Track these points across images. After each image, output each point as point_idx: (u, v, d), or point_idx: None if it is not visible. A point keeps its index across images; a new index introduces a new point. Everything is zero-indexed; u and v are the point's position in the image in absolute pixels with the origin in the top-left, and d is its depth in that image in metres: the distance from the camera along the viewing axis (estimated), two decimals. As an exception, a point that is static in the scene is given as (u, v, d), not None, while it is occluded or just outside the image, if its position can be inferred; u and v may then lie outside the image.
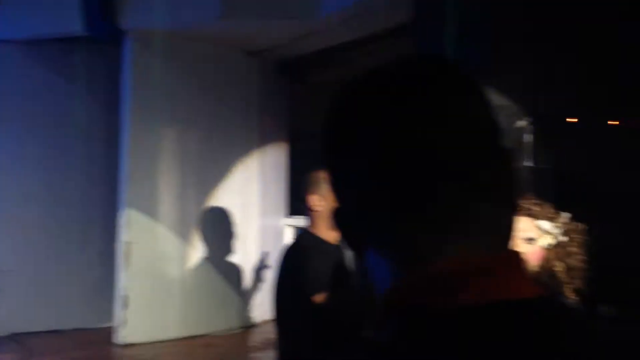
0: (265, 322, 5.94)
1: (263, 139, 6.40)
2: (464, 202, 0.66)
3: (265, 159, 6.47)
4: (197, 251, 5.92)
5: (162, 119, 5.69)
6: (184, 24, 5.29)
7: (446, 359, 0.58)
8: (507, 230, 0.70)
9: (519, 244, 2.26)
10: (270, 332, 2.93)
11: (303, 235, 2.96)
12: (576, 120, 8.00)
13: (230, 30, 5.35)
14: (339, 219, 0.74)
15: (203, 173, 5.96)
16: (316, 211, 2.88)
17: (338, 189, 0.73)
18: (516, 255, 0.68)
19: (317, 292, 2.67)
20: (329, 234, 2.92)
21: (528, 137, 3.31)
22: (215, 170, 6.05)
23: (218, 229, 6.04)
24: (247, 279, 6.22)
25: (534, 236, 2.26)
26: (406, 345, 0.60)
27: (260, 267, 6.20)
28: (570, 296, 2.22)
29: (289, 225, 6.49)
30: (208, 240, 5.97)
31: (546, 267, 2.24)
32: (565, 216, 2.31)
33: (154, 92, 5.60)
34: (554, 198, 3.22)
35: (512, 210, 0.71)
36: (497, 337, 0.60)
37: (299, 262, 2.78)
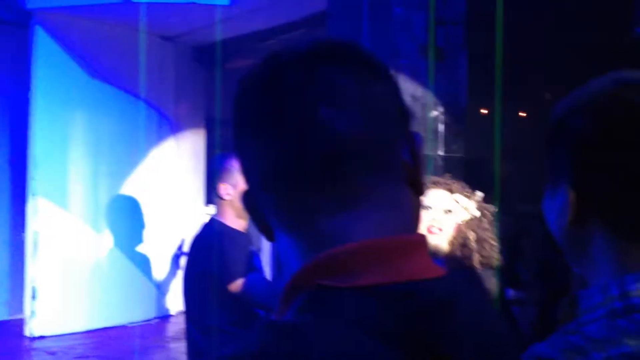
0: (182, 312, 5.87)
1: (179, 126, 6.30)
2: (367, 184, 0.66)
3: (182, 146, 6.37)
4: (110, 241, 5.78)
5: (72, 105, 5.52)
6: (93, 7, 5.13)
7: (345, 338, 0.58)
8: (412, 212, 0.71)
9: (438, 215, 2.36)
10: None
11: (212, 224, 2.92)
12: (487, 111, 8.25)
13: (143, 13, 5.22)
14: (247, 202, 0.73)
15: (116, 160, 5.82)
16: (225, 200, 2.84)
17: (245, 171, 0.72)
18: (421, 237, 0.70)
19: (229, 280, 2.65)
20: (238, 223, 2.91)
21: (441, 127, 3.40)
22: (129, 157, 5.92)
23: (132, 218, 5.91)
24: (163, 268, 6.12)
25: (452, 208, 2.37)
26: (307, 324, 0.60)
27: (177, 257, 6.12)
28: (480, 267, 2.35)
29: (208, 214, 6.42)
30: (121, 229, 5.84)
31: (460, 237, 2.36)
32: (479, 195, 2.44)
33: (63, 77, 5.41)
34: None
35: (418, 192, 0.72)
36: (394, 316, 0.60)
37: (209, 251, 2.74)
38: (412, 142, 0.72)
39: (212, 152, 6.53)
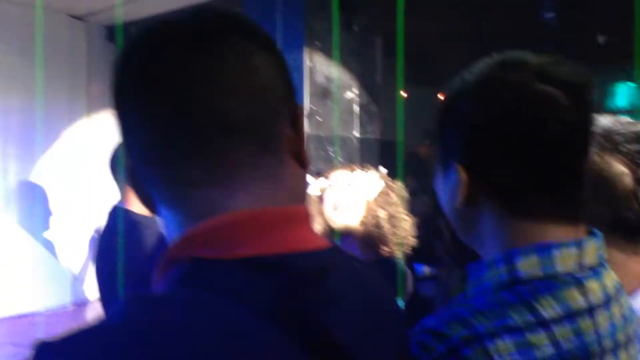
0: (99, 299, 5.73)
1: (92, 108, 6.10)
2: (246, 157, 0.66)
3: (95, 128, 6.19)
4: (22, 227, 5.57)
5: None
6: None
7: (216, 310, 0.58)
8: (295, 185, 0.71)
9: (340, 190, 2.37)
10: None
11: (117, 213, 2.78)
12: (406, 94, 8.37)
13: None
14: (129, 174, 0.72)
15: (26, 144, 5.59)
16: (129, 185, 2.78)
17: (127, 144, 0.71)
18: (302, 209, 0.70)
19: (145, 272, 2.58)
20: (144, 209, 2.82)
21: (356, 108, 3.42)
22: (39, 140, 5.70)
23: (44, 202, 5.71)
24: (79, 254, 5.96)
25: (352, 182, 2.38)
26: (177, 295, 0.60)
27: (93, 242, 5.96)
28: (394, 249, 2.36)
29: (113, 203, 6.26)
30: (33, 214, 5.63)
31: (371, 217, 2.36)
32: (383, 171, 2.46)
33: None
34: (379, 164, 3.38)
35: (302, 165, 0.73)
36: (267, 288, 0.61)
37: (117, 241, 2.67)
38: (294, 114, 0.72)
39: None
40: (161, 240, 2.84)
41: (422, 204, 4.38)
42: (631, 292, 1.07)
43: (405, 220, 2.42)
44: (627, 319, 0.93)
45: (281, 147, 0.70)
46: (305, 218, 0.70)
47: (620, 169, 1.06)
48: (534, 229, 0.88)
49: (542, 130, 0.86)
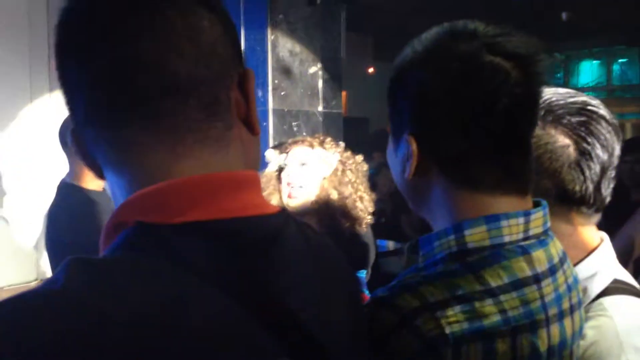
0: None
1: (55, 85, 5.98)
2: (193, 121, 0.65)
3: (58, 106, 6.07)
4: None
5: None
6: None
7: (161, 275, 0.57)
8: (244, 151, 0.70)
9: (293, 170, 2.36)
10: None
11: (68, 189, 2.74)
12: (372, 69, 8.36)
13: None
14: (73, 138, 0.70)
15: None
16: (79, 161, 2.73)
17: (70, 106, 0.69)
18: (252, 174, 0.69)
19: (92, 244, 2.54)
20: (97, 183, 2.80)
21: (320, 82, 3.41)
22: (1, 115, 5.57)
23: (4, 178, 5.61)
24: (40, 232, 5.88)
25: (307, 161, 2.37)
26: (121, 260, 0.59)
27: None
28: (345, 224, 2.36)
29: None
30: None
31: (323, 197, 2.36)
32: (340, 145, 2.44)
33: None
34: (343, 140, 3.38)
35: (252, 131, 0.72)
36: (215, 254, 0.60)
37: (72, 222, 2.59)
38: (244, 79, 0.71)
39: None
40: (109, 211, 2.78)
41: (387, 179, 4.40)
42: (576, 262, 1.09)
43: (361, 198, 2.41)
44: (570, 287, 0.95)
45: (229, 112, 0.68)
46: (254, 183, 0.69)
47: (563, 140, 1.07)
48: (483, 201, 0.89)
49: (491, 102, 0.86)
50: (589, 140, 1.06)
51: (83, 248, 2.42)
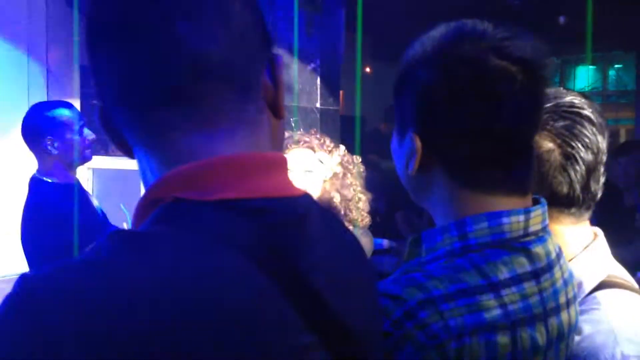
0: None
1: (51, 74, 5.96)
2: (225, 104, 0.66)
3: (54, 95, 6.05)
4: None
5: None
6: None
7: (200, 249, 0.59)
8: (272, 134, 0.72)
9: (298, 176, 2.37)
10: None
11: (41, 186, 2.71)
12: (370, 70, 8.37)
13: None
14: (102, 117, 0.71)
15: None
16: (53, 155, 2.68)
17: (100, 85, 0.69)
18: (280, 156, 0.71)
19: (83, 246, 2.48)
20: (69, 176, 2.77)
21: (318, 79, 3.41)
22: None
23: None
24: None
25: (312, 168, 2.37)
26: (161, 234, 0.60)
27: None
28: (350, 226, 2.38)
29: (89, 168, 6.15)
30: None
31: (324, 199, 2.37)
32: (341, 148, 2.45)
33: None
34: (339, 137, 3.38)
35: (278, 115, 0.73)
36: (249, 230, 0.62)
37: (48, 219, 2.56)
38: (274, 64, 0.72)
39: (87, 101, 6.24)
40: (87, 205, 2.75)
41: (382, 178, 4.41)
42: (571, 258, 1.12)
43: (359, 200, 2.43)
44: (567, 282, 0.97)
45: (259, 95, 0.70)
46: (283, 165, 0.71)
47: (547, 145, 1.09)
48: (485, 201, 0.91)
49: (496, 106, 0.87)
50: (573, 143, 1.08)
51: (54, 240, 2.38)
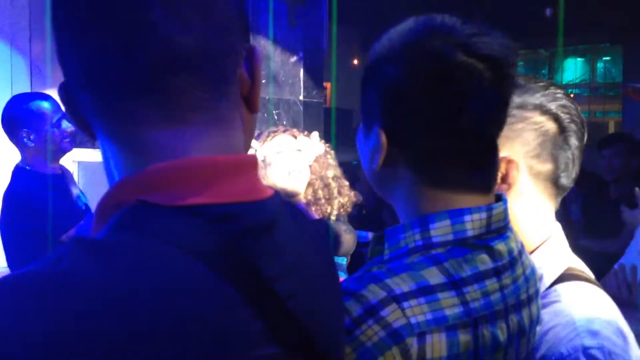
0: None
1: (36, 66, 5.92)
2: (199, 99, 0.63)
3: (39, 87, 6.01)
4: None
5: None
6: None
7: (162, 258, 0.56)
8: (244, 130, 0.69)
9: (290, 155, 2.38)
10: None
11: (22, 175, 2.72)
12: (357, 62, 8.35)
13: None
14: (65, 97, 0.67)
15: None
16: (30, 147, 2.68)
17: (65, 66, 0.65)
18: (250, 158, 0.67)
19: (59, 234, 2.50)
20: (50, 167, 2.76)
21: (301, 71, 3.40)
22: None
23: None
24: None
25: (302, 148, 2.41)
26: (123, 242, 0.57)
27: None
28: (327, 209, 2.40)
29: (75, 161, 6.12)
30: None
31: (318, 178, 2.42)
32: (314, 135, 2.48)
33: None
34: (323, 129, 3.37)
35: (252, 109, 0.70)
36: (214, 238, 0.59)
37: (28, 207, 2.56)
38: (251, 56, 0.69)
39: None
40: (75, 197, 2.75)
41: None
42: (531, 251, 1.13)
43: (341, 185, 2.49)
44: (528, 278, 0.97)
45: (236, 90, 0.67)
46: (253, 166, 0.68)
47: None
48: (448, 198, 0.90)
49: (463, 103, 0.86)
50: None
51: (42, 235, 2.39)
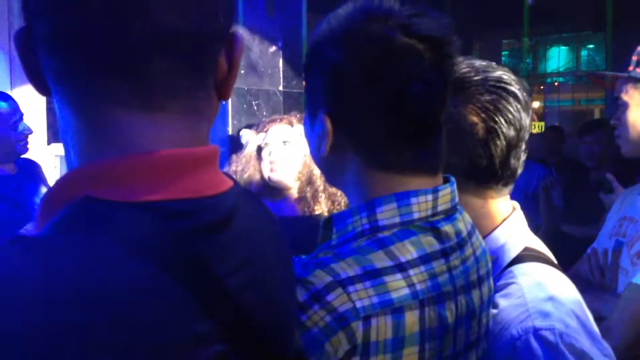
0: None
1: (15, 58, 5.87)
2: (177, 86, 0.61)
3: (19, 80, 5.96)
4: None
5: None
6: None
7: (108, 258, 0.54)
8: (211, 119, 0.67)
9: (276, 148, 2.34)
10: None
11: None
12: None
13: None
14: (20, 41, 0.62)
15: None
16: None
17: (33, 11, 0.60)
18: (212, 150, 0.65)
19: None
20: (6, 166, 2.77)
21: (281, 61, 3.38)
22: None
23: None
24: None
25: (289, 139, 2.36)
26: (67, 241, 0.54)
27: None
28: (325, 202, 2.35)
29: (57, 155, 6.07)
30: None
31: (306, 172, 2.36)
32: None
33: None
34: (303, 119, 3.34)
35: (223, 97, 0.68)
36: (164, 236, 0.57)
37: None
38: (233, 43, 0.67)
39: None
40: (6, 200, 2.72)
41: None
42: (488, 232, 1.13)
43: None
44: (478, 259, 0.98)
45: (213, 77, 0.65)
46: (213, 159, 0.65)
47: (471, 119, 1.09)
48: (395, 181, 0.90)
49: (404, 84, 0.86)
50: (496, 118, 1.08)
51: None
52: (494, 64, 1.15)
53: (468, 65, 1.12)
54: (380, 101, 0.87)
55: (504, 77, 1.11)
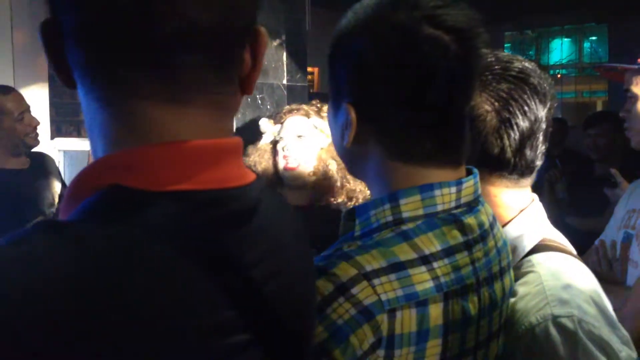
0: None
1: (16, 54, 5.86)
2: (204, 80, 0.61)
3: (21, 76, 5.95)
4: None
5: None
6: None
7: (136, 245, 0.54)
8: (234, 113, 0.68)
9: (291, 142, 2.32)
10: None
11: None
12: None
13: None
14: (47, 31, 0.62)
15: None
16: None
17: (62, 3, 0.60)
18: (236, 142, 0.66)
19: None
20: (14, 161, 2.76)
21: (284, 55, 3.37)
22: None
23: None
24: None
25: (304, 133, 2.33)
26: (98, 227, 0.54)
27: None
28: (341, 197, 2.32)
29: (60, 150, 6.06)
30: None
31: (321, 167, 2.32)
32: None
33: None
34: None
35: (246, 92, 0.68)
36: (192, 224, 0.58)
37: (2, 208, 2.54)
38: (258, 38, 0.67)
39: (55, 82, 6.13)
40: (15, 195, 2.71)
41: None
42: (506, 222, 1.13)
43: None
44: (500, 250, 0.98)
45: (237, 74, 0.65)
46: (237, 152, 0.66)
47: (485, 107, 1.09)
48: (417, 172, 0.90)
49: (429, 76, 0.86)
50: (510, 108, 1.08)
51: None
52: (520, 57, 1.15)
53: (493, 56, 1.12)
54: (404, 93, 0.87)
55: (526, 69, 1.11)
